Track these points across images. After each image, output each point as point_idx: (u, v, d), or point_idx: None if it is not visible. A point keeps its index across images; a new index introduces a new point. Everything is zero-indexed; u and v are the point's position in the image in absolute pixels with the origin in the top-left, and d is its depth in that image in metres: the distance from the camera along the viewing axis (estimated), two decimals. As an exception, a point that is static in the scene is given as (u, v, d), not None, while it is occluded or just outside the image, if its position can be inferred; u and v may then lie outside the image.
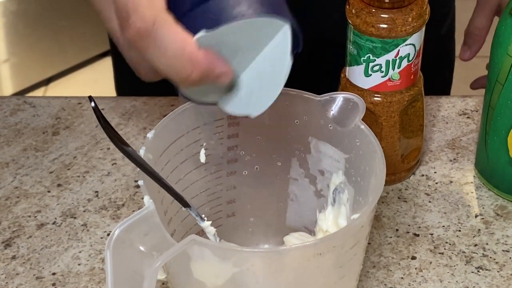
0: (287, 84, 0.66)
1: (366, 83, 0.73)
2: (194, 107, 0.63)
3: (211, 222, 0.64)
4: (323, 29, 0.95)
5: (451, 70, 1.05)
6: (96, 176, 0.80)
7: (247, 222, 0.69)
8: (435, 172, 0.80)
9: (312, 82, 1.02)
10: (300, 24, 0.96)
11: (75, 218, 0.76)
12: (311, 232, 0.68)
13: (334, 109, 0.63)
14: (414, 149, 0.78)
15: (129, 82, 1.06)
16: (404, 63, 0.72)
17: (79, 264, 0.72)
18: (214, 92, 0.58)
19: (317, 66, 1.01)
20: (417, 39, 0.72)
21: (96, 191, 0.78)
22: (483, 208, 0.76)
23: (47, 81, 2.25)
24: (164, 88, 0.99)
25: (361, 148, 0.62)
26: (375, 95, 0.74)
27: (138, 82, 1.04)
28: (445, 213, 0.75)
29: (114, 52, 1.07)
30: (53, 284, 0.70)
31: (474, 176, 0.79)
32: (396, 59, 0.72)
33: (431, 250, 0.72)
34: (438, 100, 0.88)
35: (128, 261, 0.53)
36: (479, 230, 0.74)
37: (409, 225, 0.74)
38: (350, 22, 0.71)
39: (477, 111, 0.86)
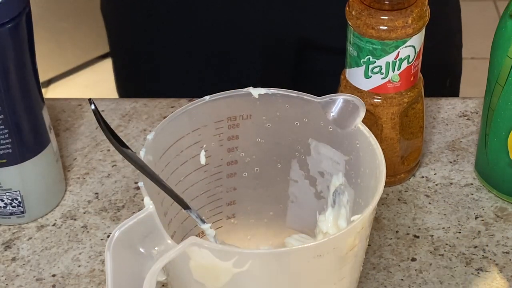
0: (287, 86, 0.67)
1: (366, 84, 0.73)
2: (193, 108, 0.63)
3: (211, 224, 0.64)
4: (317, 32, 0.95)
5: (455, 78, 1.05)
6: (96, 177, 0.80)
7: (247, 223, 0.69)
8: (435, 174, 0.80)
9: (311, 84, 1.02)
10: (295, 28, 0.97)
11: (75, 219, 0.76)
12: (311, 233, 0.68)
13: (334, 111, 0.63)
14: (414, 150, 0.78)
15: (130, 82, 1.06)
16: (404, 64, 0.72)
17: (79, 266, 0.72)
18: None
19: (316, 69, 1.01)
20: (417, 40, 0.72)
21: (96, 193, 0.78)
22: (483, 209, 0.76)
23: (47, 83, 2.25)
24: (164, 89, 1.00)
25: (361, 149, 0.62)
26: (375, 96, 0.74)
27: (139, 83, 1.05)
28: (445, 214, 0.75)
29: (114, 53, 1.08)
30: (53, 286, 0.70)
31: (474, 178, 0.79)
32: (396, 61, 0.72)
33: (431, 252, 0.72)
34: (438, 102, 0.88)
35: (128, 263, 0.53)
36: (479, 231, 0.74)
37: (409, 227, 0.74)
38: (350, 24, 0.72)
39: (477, 113, 0.86)
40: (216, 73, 0.99)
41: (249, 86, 0.64)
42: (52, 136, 0.75)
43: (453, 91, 1.05)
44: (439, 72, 1.00)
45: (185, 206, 0.61)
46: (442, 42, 0.98)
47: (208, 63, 0.98)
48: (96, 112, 0.55)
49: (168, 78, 1.01)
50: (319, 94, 0.64)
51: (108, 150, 0.83)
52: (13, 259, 0.72)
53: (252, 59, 0.98)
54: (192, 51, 0.98)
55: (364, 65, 0.72)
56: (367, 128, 0.61)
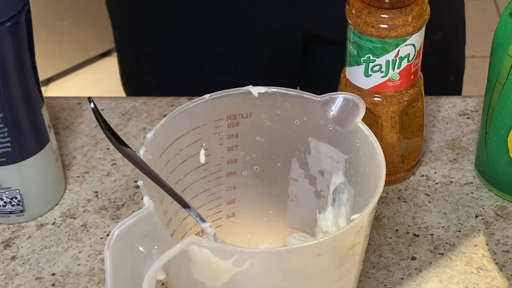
0: (287, 85, 0.66)
1: (366, 83, 0.73)
2: (193, 107, 0.63)
3: (211, 222, 0.63)
4: (320, 27, 0.95)
5: (459, 73, 1.06)
6: (96, 176, 0.80)
7: (247, 222, 0.69)
8: (435, 173, 0.80)
9: (311, 82, 1.02)
10: (296, 23, 0.97)
11: (74, 218, 0.76)
12: (311, 232, 0.68)
13: (334, 110, 0.63)
14: (414, 149, 0.78)
15: (133, 78, 1.06)
16: (404, 63, 0.72)
17: (78, 265, 0.72)
18: None
19: (316, 66, 1.01)
20: (417, 39, 0.71)
21: (96, 192, 0.78)
22: (483, 208, 0.76)
23: (47, 81, 2.25)
24: (167, 86, 1.00)
25: (361, 148, 0.62)
26: (375, 95, 0.74)
27: (142, 79, 1.05)
28: (445, 213, 0.75)
29: (119, 49, 1.08)
30: (53, 285, 0.70)
31: (474, 177, 0.79)
32: (396, 59, 0.72)
33: (431, 251, 0.72)
34: (438, 101, 0.87)
35: (128, 262, 0.53)
36: (479, 230, 0.74)
37: (409, 226, 0.74)
38: (350, 22, 0.71)
39: (477, 111, 0.86)
40: (218, 72, 0.99)
41: (251, 85, 0.64)
42: (51, 134, 0.75)
43: (456, 86, 1.05)
44: (443, 66, 1.00)
45: (185, 205, 0.61)
46: (446, 36, 0.98)
47: (210, 61, 0.98)
48: (96, 111, 0.55)
49: (171, 76, 1.01)
50: (324, 91, 0.64)
51: (108, 149, 0.83)
52: (13, 258, 0.72)
53: (255, 57, 0.98)
54: (194, 49, 0.98)
55: (364, 64, 0.72)
56: (367, 127, 0.61)
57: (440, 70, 0.99)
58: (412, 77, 0.74)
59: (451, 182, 0.78)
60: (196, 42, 0.97)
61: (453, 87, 1.04)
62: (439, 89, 0.91)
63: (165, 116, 0.62)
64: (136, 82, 1.06)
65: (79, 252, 0.73)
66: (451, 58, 1.03)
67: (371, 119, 0.74)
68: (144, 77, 1.04)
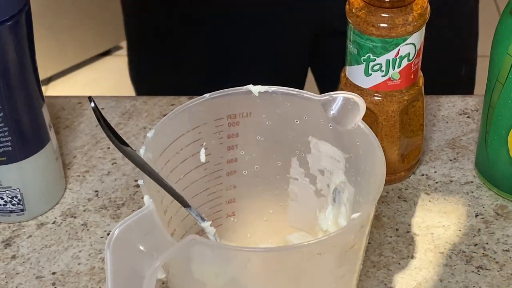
0: (288, 84, 0.66)
1: (366, 82, 0.73)
2: (193, 106, 0.63)
3: (211, 222, 0.63)
4: (324, 19, 0.95)
5: (471, 66, 1.06)
6: (96, 175, 0.80)
7: (247, 221, 0.69)
8: (435, 172, 0.80)
9: (312, 78, 1.02)
10: (300, 15, 0.96)
11: (75, 217, 0.76)
12: (311, 231, 0.68)
13: (334, 109, 0.63)
14: (414, 148, 0.78)
15: (145, 67, 1.07)
16: (404, 62, 0.72)
17: (79, 264, 0.72)
18: None
19: (319, 58, 1.01)
20: (417, 38, 0.72)
21: (96, 191, 0.78)
22: (483, 207, 0.76)
23: (47, 81, 2.25)
24: (177, 76, 1.00)
25: (361, 147, 0.62)
26: (375, 94, 0.74)
27: (153, 68, 1.06)
28: (445, 212, 0.75)
29: (130, 38, 1.08)
30: (53, 284, 0.70)
31: (474, 176, 0.79)
32: (396, 59, 0.72)
33: (431, 250, 0.72)
34: (438, 100, 0.88)
35: (128, 261, 0.53)
36: (479, 229, 0.74)
37: (409, 225, 0.74)
38: (350, 21, 0.71)
39: (477, 111, 0.86)
40: (226, 69, 0.99)
41: (251, 84, 0.64)
42: (52, 134, 0.75)
43: (469, 78, 1.05)
44: (455, 58, 1.00)
45: (185, 204, 0.61)
46: (458, 28, 0.98)
47: (211, 61, 0.98)
48: (96, 110, 0.55)
49: (171, 75, 1.01)
50: (322, 91, 0.64)
51: (108, 148, 0.83)
52: (13, 257, 0.72)
53: (259, 53, 0.98)
54: (196, 47, 0.98)
55: (364, 63, 0.72)
56: (367, 126, 0.61)
57: (452, 62, 0.99)
58: (412, 77, 0.74)
59: (451, 181, 0.78)
60: (198, 40, 0.97)
61: (466, 79, 1.04)
62: (452, 81, 0.90)
63: (165, 115, 0.62)
64: (146, 74, 1.07)
65: (80, 251, 0.73)
66: (462, 51, 1.03)
67: (371, 118, 0.74)
68: (149, 76, 1.05)
